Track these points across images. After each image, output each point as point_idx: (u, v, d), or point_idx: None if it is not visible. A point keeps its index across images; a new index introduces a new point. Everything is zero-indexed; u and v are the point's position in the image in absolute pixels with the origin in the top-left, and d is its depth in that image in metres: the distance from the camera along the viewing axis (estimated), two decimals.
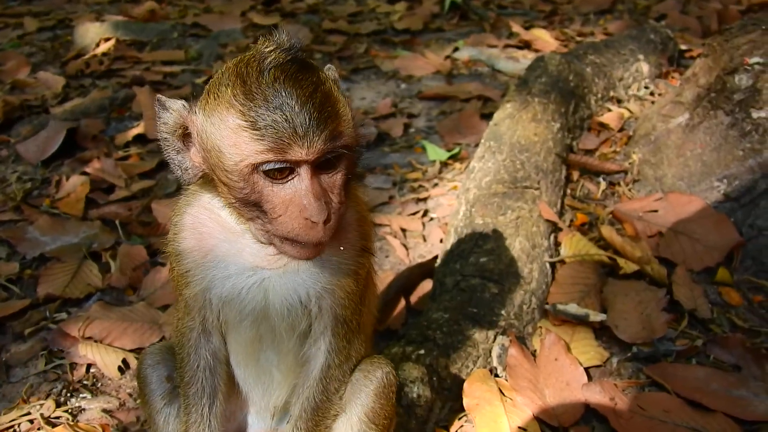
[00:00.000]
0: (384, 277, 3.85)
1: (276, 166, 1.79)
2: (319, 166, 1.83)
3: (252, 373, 2.35)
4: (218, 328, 2.25)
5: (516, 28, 7.68)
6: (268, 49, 1.82)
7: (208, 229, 2.10)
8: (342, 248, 2.09)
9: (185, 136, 1.96)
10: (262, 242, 2.00)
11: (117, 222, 4.37)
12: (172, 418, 2.41)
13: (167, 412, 2.42)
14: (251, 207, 1.89)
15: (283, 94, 1.73)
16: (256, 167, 1.80)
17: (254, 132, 1.75)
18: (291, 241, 1.89)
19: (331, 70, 2.00)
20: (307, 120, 1.73)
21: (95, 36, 7.19)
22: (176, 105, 1.94)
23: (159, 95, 1.96)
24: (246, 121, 1.76)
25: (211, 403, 2.30)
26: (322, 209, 1.81)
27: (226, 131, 1.81)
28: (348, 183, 1.94)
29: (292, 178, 1.82)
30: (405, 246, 4.27)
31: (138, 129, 5.41)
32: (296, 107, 1.73)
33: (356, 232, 2.15)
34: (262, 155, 1.77)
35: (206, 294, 2.16)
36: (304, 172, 1.81)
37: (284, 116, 1.72)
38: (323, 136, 1.76)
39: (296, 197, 1.82)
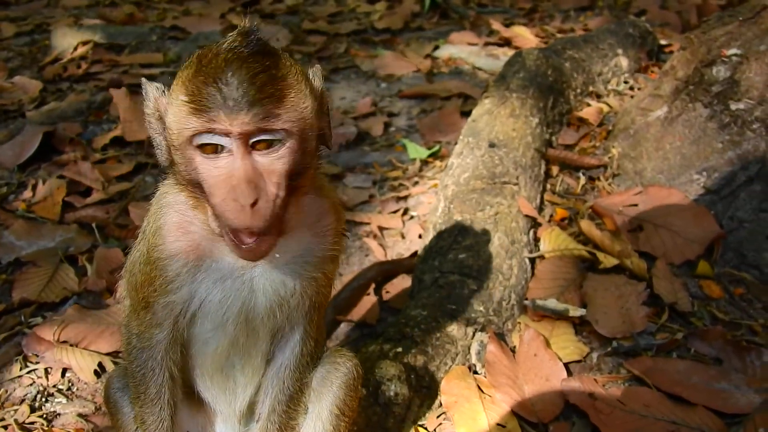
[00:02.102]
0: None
1: (206, 139, 1.77)
2: (258, 149, 1.79)
3: (217, 382, 2.31)
4: (183, 340, 2.19)
5: (496, 25, 7.68)
6: (230, 36, 1.81)
7: (196, 228, 2.02)
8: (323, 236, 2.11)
9: (161, 118, 1.94)
10: (216, 231, 1.92)
11: (94, 225, 4.32)
12: None
13: None
14: (197, 189, 1.87)
15: (227, 71, 1.72)
16: (190, 139, 1.78)
17: (191, 105, 1.74)
18: (227, 227, 1.83)
19: (316, 71, 2.00)
20: (240, 94, 1.71)
21: (73, 40, 7.12)
22: (152, 88, 1.94)
23: (144, 78, 1.96)
24: (187, 95, 1.75)
25: (173, 416, 2.26)
26: (249, 190, 1.75)
27: (174, 107, 1.81)
28: (297, 176, 1.87)
29: (226, 157, 1.78)
30: (383, 246, 4.24)
31: (115, 132, 5.36)
32: (234, 82, 1.71)
33: (333, 217, 2.14)
34: (193, 126, 1.75)
35: (189, 301, 2.08)
36: (235, 148, 1.76)
37: (219, 89, 1.71)
38: (254, 111, 1.72)
39: (227, 176, 1.77)
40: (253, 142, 1.78)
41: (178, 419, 2.30)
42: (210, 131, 1.75)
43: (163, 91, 1.93)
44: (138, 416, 2.26)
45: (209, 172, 1.80)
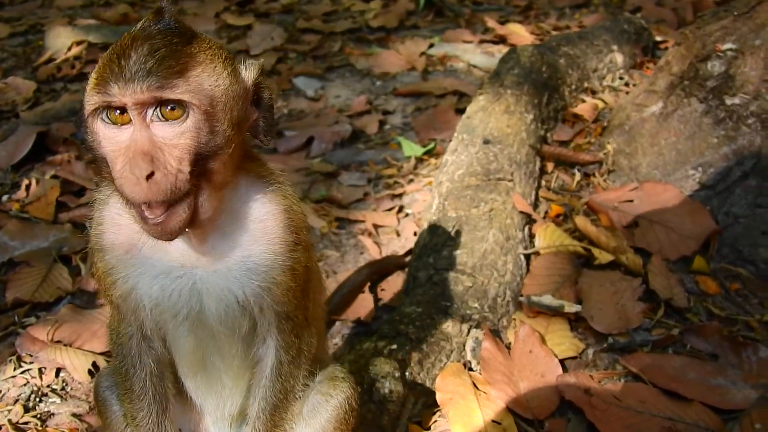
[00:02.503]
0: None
1: (104, 112, 1.76)
2: (158, 119, 1.76)
3: (202, 381, 2.27)
4: (157, 333, 2.14)
5: (491, 23, 7.66)
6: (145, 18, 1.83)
7: (128, 222, 1.95)
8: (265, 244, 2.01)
9: None
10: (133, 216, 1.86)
11: (87, 225, 4.29)
12: None
13: None
14: (105, 168, 1.83)
15: (130, 47, 1.72)
16: (93, 114, 1.77)
17: (94, 81, 1.74)
18: (135, 207, 1.79)
19: (252, 65, 1.98)
20: (136, 64, 1.70)
21: (67, 40, 7.09)
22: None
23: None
24: (95, 73, 1.76)
25: (163, 410, 2.23)
26: (145, 162, 1.72)
27: (88, 85, 1.80)
28: (206, 158, 1.82)
29: (126, 129, 1.76)
30: (377, 244, 4.23)
31: None
32: (133, 55, 1.70)
33: (281, 224, 2.04)
34: (94, 100, 1.74)
35: (133, 294, 2.03)
36: (134, 119, 1.74)
37: (118, 63, 1.70)
38: (149, 81, 1.70)
39: (125, 148, 1.74)
40: (154, 115, 1.75)
41: (172, 415, 2.27)
42: (108, 104, 1.73)
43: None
44: (128, 413, 2.24)
45: (110, 145, 1.78)
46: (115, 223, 2.00)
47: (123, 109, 1.73)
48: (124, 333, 2.14)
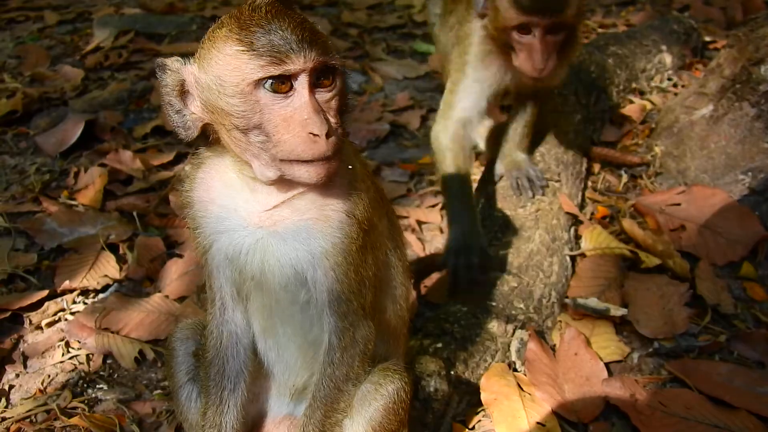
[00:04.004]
0: None
1: (274, 82, 1.88)
2: (315, 85, 1.93)
3: (272, 345, 2.34)
4: (237, 296, 2.25)
5: None
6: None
7: (213, 181, 2.15)
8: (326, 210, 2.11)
9: (183, 93, 2.01)
10: (269, 177, 2.00)
11: (134, 213, 4.35)
12: (194, 394, 2.41)
13: (190, 389, 2.43)
14: (255, 133, 1.94)
15: (275, 22, 1.87)
16: (257, 84, 1.88)
17: (253, 52, 1.85)
18: (298, 162, 1.93)
19: None
20: (300, 37, 1.86)
21: (114, 29, 7.16)
22: (172, 61, 2.01)
23: (158, 58, 2.00)
24: (243, 44, 1.86)
25: (233, 387, 2.30)
26: (322, 122, 1.89)
27: (225, 59, 1.90)
28: (342, 117, 2.02)
29: (291, 95, 1.90)
30: (421, 240, 4.23)
31: (156, 121, 5.40)
32: (288, 29, 1.87)
33: (343, 197, 2.12)
34: (263, 70, 1.86)
35: (212, 250, 2.18)
36: (301, 87, 1.90)
37: (279, 35, 1.85)
38: (316, 48, 1.88)
39: (297, 113, 1.90)
40: (315, 81, 1.92)
41: (238, 392, 2.35)
42: (279, 73, 1.86)
43: (187, 61, 2.01)
44: (202, 378, 2.35)
45: (277, 113, 1.91)
46: (203, 181, 2.16)
47: (286, 78, 1.88)
48: (210, 297, 2.28)
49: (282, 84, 1.88)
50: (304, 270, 2.11)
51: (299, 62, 1.86)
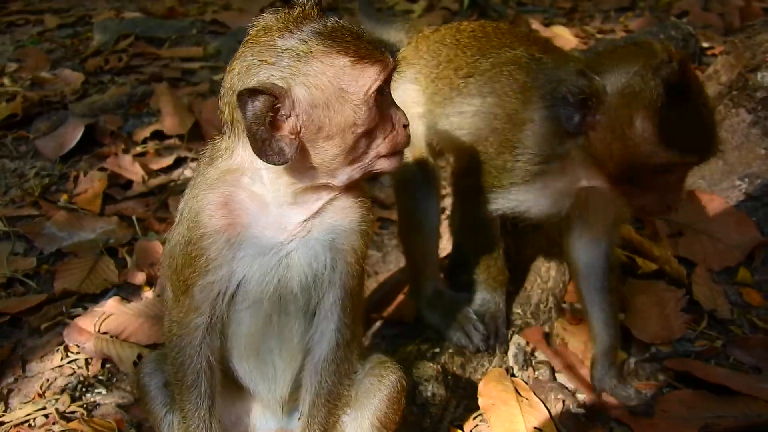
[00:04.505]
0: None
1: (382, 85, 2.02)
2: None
3: (254, 365, 2.34)
4: (221, 321, 2.21)
5: (535, 25, 7.63)
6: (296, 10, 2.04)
7: (240, 204, 2.09)
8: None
9: (272, 119, 1.92)
10: (352, 179, 2.11)
11: (134, 218, 4.37)
12: (175, 423, 2.38)
13: (170, 420, 2.40)
14: (365, 139, 2.04)
15: (358, 28, 2.02)
16: (378, 90, 1.99)
17: (366, 60, 1.97)
18: (388, 156, 2.09)
19: None
20: (377, 39, 2.05)
21: (114, 32, 7.19)
22: (266, 86, 1.91)
23: (242, 89, 1.89)
24: (352, 55, 1.96)
25: (211, 405, 2.28)
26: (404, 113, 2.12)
27: (341, 72, 1.95)
28: None
29: (385, 95, 2.05)
30: None
31: (156, 125, 5.40)
32: (371, 35, 2.05)
33: (361, 199, 2.22)
34: (380, 75, 1.99)
35: (228, 279, 2.12)
36: (389, 88, 2.08)
37: (374, 41, 2.02)
38: (389, 49, 2.06)
39: (392, 110, 2.09)
40: None
41: (216, 409, 2.32)
42: (387, 75, 2.02)
43: (286, 85, 1.94)
44: (177, 403, 2.30)
45: (382, 112, 2.05)
46: (223, 209, 2.09)
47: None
48: (190, 324, 2.18)
49: (383, 89, 2.03)
50: (326, 271, 2.17)
51: (391, 63, 2.02)
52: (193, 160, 5.07)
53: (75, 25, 7.86)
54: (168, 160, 5.03)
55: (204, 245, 2.08)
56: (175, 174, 4.93)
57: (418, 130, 3.25)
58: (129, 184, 4.80)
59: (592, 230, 3.07)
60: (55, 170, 4.95)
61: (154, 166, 4.97)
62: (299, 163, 2.01)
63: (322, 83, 1.93)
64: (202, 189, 2.12)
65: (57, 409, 3.10)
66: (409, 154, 3.22)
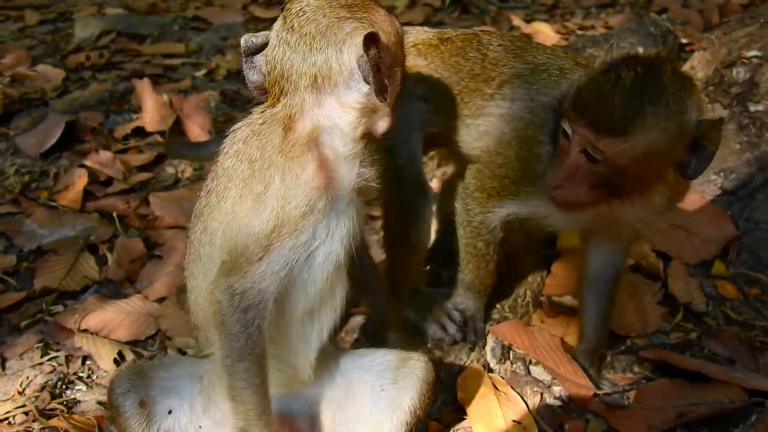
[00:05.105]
0: None
1: None
2: None
3: (298, 330, 2.43)
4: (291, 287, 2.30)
5: (517, 21, 7.65)
6: None
7: (329, 162, 2.23)
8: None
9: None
10: (386, 128, 2.31)
11: (115, 215, 4.37)
12: None
13: None
14: (403, 80, 2.33)
15: None
16: None
17: (387, 11, 2.28)
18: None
19: None
20: None
21: (96, 29, 7.16)
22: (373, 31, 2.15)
23: (366, 34, 2.11)
24: (383, 8, 2.28)
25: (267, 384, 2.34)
26: None
27: (386, 19, 2.26)
28: None
29: None
30: None
31: (137, 122, 5.39)
32: None
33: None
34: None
35: (312, 239, 2.22)
36: None
37: None
38: None
39: None
40: None
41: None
42: None
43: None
44: (227, 392, 2.31)
45: None
46: (321, 167, 2.20)
47: None
48: (262, 291, 2.21)
49: None
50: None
51: None
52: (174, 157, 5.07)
53: (56, 21, 7.82)
54: (149, 157, 5.03)
55: (306, 206, 2.18)
56: (156, 171, 4.93)
57: (417, 147, 3.24)
58: (110, 180, 4.79)
59: (610, 242, 3.06)
60: (36, 167, 4.93)
61: (135, 163, 4.97)
62: (373, 105, 2.22)
63: (386, 26, 2.22)
64: (297, 150, 2.20)
65: (37, 407, 3.11)
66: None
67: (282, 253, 2.18)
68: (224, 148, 2.39)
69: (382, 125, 2.29)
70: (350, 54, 2.14)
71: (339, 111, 2.19)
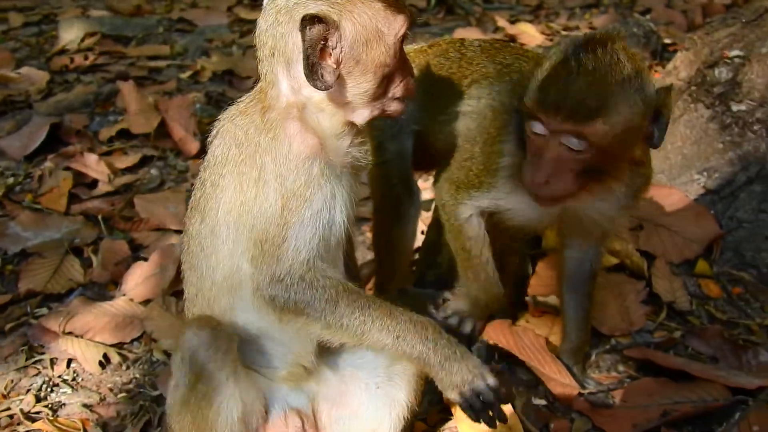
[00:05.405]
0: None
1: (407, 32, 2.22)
2: None
3: None
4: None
5: (501, 22, 7.68)
6: None
7: (315, 133, 2.26)
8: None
9: (323, 48, 2.12)
10: (365, 119, 2.27)
11: (99, 217, 4.36)
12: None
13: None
14: (387, 80, 2.25)
15: None
16: (403, 36, 2.22)
17: (393, 8, 2.17)
18: (404, 99, 2.32)
19: None
20: None
21: (80, 31, 7.15)
22: (325, 14, 2.10)
23: (305, 14, 2.07)
24: (385, 2, 2.17)
25: None
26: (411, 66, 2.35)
27: (377, 14, 2.16)
28: None
29: (402, 45, 2.25)
30: None
31: (122, 124, 5.39)
32: None
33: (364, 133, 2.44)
34: (406, 22, 2.20)
35: (332, 206, 2.26)
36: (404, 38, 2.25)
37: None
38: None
39: (405, 59, 2.31)
40: None
41: None
42: (408, 27, 2.22)
43: (337, 18, 2.13)
44: (377, 333, 2.29)
45: (400, 57, 2.26)
46: (306, 133, 2.25)
47: None
48: (300, 264, 2.24)
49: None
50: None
51: (411, 17, 2.22)
52: (159, 158, 5.08)
53: (40, 23, 7.81)
54: (134, 159, 5.03)
55: (304, 176, 2.21)
56: (141, 173, 4.93)
57: (406, 144, 3.27)
58: (95, 183, 4.79)
59: (581, 238, 3.08)
60: (20, 170, 4.93)
61: (120, 165, 4.97)
62: (338, 95, 2.20)
63: (364, 21, 2.14)
64: (277, 127, 2.24)
65: (22, 410, 3.11)
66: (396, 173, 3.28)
67: (304, 224, 2.21)
68: (213, 131, 2.40)
69: (355, 116, 2.26)
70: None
71: (307, 89, 2.18)
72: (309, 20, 2.04)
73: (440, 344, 2.30)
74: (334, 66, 2.13)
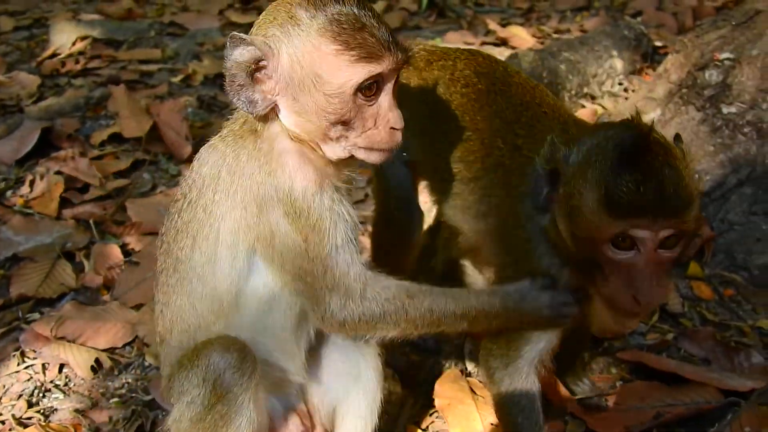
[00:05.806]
0: None
1: (371, 83, 2.04)
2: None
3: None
4: None
5: (493, 25, 7.69)
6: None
7: (310, 160, 2.16)
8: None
9: (255, 71, 2.05)
10: (339, 157, 2.15)
11: (91, 221, 4.35)
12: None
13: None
14: (341, 126, 2.08)
15: (367, 19, 1.99)
16: (358, 87, 2.01)
17: (352, 54, 1.98)
18: (374, 150, 2.12)
19: None
20: (388, 35, 2.01)
21: (71, 35, 7.12)
22: (257, 40, 2.03)
23: (234, 33, 2.01)
24: (341, 45, 1.97)
25: None
26: (401, 117, 2.12)
27: (323, 58, 2.00)
28: None
29: (379, 94, 2.08)
30: None
31: (113, 128, 5.37)
32: (375, 24, 2.00)
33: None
34: (367, 73, 2.00)
35: (350, 228, 2.22)
36: (387, 86, 2.09)
37: (372, 34, 1.99)
38: (401, 47, 2.06)
39: (383, 110, 2.09)
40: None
41: None
42: (377, 76, 2.02)
43: (272, 43, 2.04)
44: (451, 320, 2.38)
45: (368, 110, 2.08)
46: (304, 163, 2.16)
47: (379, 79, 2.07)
48: (354, 277, 2.23)
49: (375, 84, 2.05)
50: None
51: (392, 62, 2.03)
52: (151, 162, 5.06)
53: (31, 27, 7.78)
54: (125, 163, 5.01)
55: (312, 196, 2.14)
56: (133, 177, 4.91)
57: (403, 169, 3.14)
58: (86, 187, 4.76)
59: None
60: (11, 174, 4.90)
61: (112, 170, 4.95)
62: (295, 127, 2.12)
63: (304, 61, 2.01)
64: (272, 161, 2.15)
65: (13, 415, 3.10)
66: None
67: (338, 250, 2.18)
68: (201, 151, 2.31)
69: (326, 150, 2.15)
70: None
71: (281, 113, 2.14)
72: (237, 40, 2.00)
73: (503, 297, 2.44)
74: (269, 95, 2.07)
